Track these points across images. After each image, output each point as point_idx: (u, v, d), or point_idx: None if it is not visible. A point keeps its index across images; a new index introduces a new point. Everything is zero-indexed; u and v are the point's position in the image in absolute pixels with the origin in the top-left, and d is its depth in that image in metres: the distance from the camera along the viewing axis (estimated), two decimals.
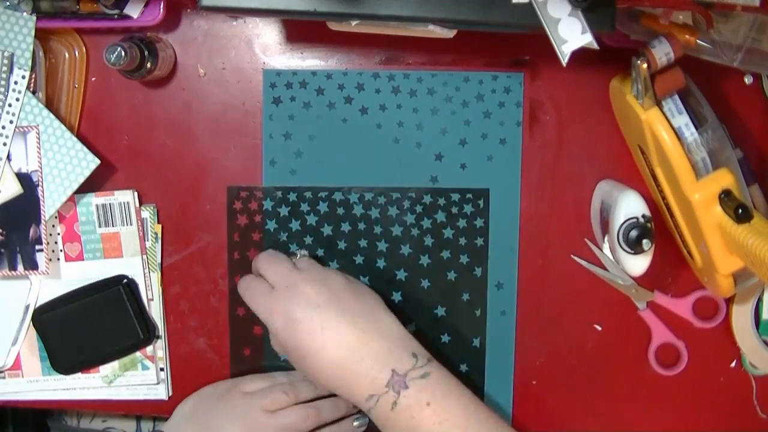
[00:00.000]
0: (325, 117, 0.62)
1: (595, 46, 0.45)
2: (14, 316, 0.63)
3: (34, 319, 0.62)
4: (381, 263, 0.63)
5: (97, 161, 0.59)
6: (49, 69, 0.60)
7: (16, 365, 0.63)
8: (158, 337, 0.64)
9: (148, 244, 0.63)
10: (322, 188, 0.62)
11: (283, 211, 0.62)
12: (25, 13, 0.57)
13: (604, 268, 0.64)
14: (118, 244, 0.62)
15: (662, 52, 0.49)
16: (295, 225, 0.62)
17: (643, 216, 0.55)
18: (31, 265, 0.59)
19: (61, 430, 0.80)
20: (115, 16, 0.58)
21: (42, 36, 0.59)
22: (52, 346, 0.63)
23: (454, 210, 0.62)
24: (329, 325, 0.52)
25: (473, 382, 0.64)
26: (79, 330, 0.62)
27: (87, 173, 0.59)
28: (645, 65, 0.49)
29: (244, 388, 0.59)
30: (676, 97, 0.52)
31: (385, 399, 0.51)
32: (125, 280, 0.62)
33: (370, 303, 0.56)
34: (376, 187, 0.62)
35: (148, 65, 0.57)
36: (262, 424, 0.56)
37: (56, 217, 0.62)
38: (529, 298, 0.64)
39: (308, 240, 0.63)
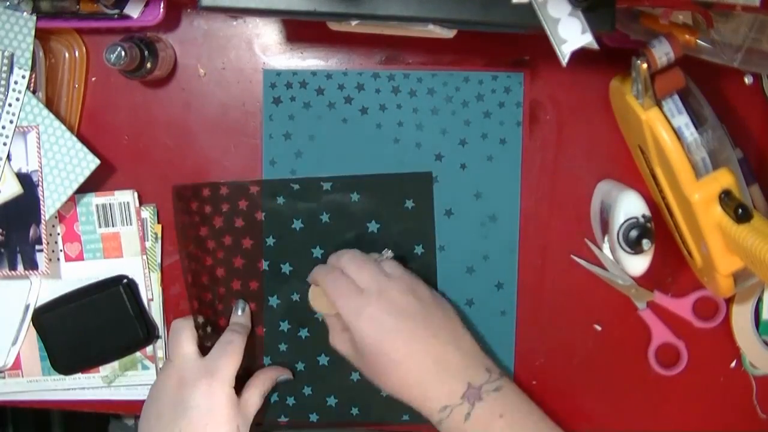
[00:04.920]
0: (325, 117, 0.62)
1: (595, 46, 0.45)
2: (14, 316, 0.63)
3: (34, 319, 0.62)
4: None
5: (97, 161, 0.59)
6: (49, 69, 0.60)
7: (16, 365, 0.63)
8: (158, 337, 0.64)
9: (148, 244, 0.63)
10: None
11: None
12: (25, 13, 0.57)
13: (604, 268, 0.64)
14: (118, 244, 0.62)
15: (662, 52, 0.48)
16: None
17: (643, 216, 0.55)
18: (31, 265, 0.59)
19: (123, 430, 0.80)
20: (115, 16, 0.58)
21: (42, 36, 0.59)
22: (52, 346, 0.63)
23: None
24: (417, 336, 0.54)
25: None
26: (79, 330, 0.62)
27: (87, 173, 0.59)
28: (645, 65, 0.49)
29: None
30: (676, 97, 0.52)
31: (459, 410, 0.52)
32: (125, 280, 0.62)
33: (450, 316, 0.57)
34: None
35: (148, 65, 0.57)
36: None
37: (56, 217, 0.62)
38: (529, 298, 0.64)
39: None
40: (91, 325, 0.62)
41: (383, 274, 0.57)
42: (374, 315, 0.54)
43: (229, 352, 0.57)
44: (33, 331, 0.63)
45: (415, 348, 0.54)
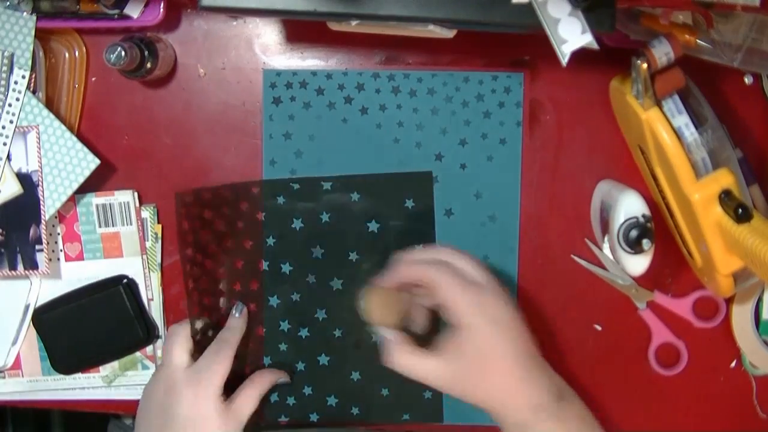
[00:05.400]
0: (325, 117, 0.62)
1: (595, 46, 0.45)
2: (14, 316, 0.63)
3: (34, 319, 0.62)
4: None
5: (97, 161, 0.59)
6: (49, 69, 0.60)
7: (16, 365, 0.63)
8: (158, 337, 0.64)
9: (148, 244, 0.63)
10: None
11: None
12: (25, 13, 0.57)
13: (604, 268, 0.64)
14: (118, 244, 0.62)
15: (662, 52, 0.49)
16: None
17: (643, 216, 0.55)
18: (31, 265, 0.59)
19: (122, 429, 0.80)
20: (115, 16, 0.58)
21: (42, 36, 0.59)
22: (52, 346, 0.63)
23: None
24: (523, 329, 0.53)
25: None
26: (79, 330, 0.62)
27: (87, 173, 0.59)
28: (645, 65, 0.49)
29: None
30: (676, 97, 0.52)
31: (551, 409, 0.52)
32: (125, 280, 0.62)
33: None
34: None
35: (148, 65, 0.57)
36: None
37: (56, 217, 0.62)
38: (529, 298, 0.64)
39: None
40: (91, 325, 0.62)
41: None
42: (494, 305, 0.52)
43: (218, 361, 0.57)
44: (33, 331, 0.63)
45: (522, 342, 0.53)
